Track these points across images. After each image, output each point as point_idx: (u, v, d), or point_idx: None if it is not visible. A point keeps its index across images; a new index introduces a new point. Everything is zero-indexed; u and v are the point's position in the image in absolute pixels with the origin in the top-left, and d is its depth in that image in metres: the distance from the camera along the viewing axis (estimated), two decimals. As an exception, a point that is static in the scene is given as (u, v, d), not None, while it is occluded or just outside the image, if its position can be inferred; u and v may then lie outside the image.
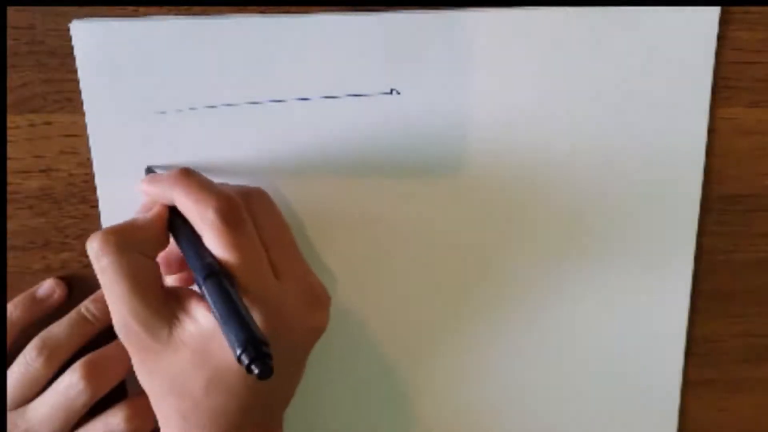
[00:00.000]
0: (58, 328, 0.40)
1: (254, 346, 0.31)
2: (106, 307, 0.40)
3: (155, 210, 0.36)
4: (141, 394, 0.40)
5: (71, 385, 0.38)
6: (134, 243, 0.35)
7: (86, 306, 0.40)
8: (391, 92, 0.40)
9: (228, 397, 0.35)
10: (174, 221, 0.36)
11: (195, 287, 0.35)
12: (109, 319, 0.40)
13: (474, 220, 0.42)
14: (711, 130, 0.42)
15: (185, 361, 0.34)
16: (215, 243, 0.34)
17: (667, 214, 0.42)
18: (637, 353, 0.45)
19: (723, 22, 0.40)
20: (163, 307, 0.34)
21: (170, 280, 0.38)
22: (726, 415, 0.48)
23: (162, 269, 0.37)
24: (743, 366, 0.47)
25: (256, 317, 0.33)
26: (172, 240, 0.37)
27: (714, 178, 0.43)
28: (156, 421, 0.40)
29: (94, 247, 0.34)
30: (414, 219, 0.42)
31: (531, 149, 0.41)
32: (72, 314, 0.40)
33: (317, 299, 0.37)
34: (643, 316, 0.44)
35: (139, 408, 0.40)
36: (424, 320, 0.44)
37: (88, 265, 0.41)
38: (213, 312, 0.33)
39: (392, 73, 0.39)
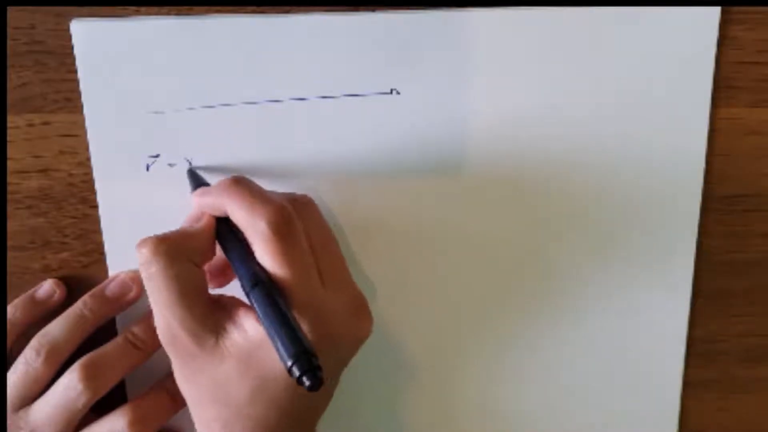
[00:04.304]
0: (55, 327, 0.39)
1: (305, 358, 0.31)
2: (104, 302, 0.40)
3: (204, 220, 0.36)
4: (144, 396, 0.40)
5: (70, 386, 0.38)
6: (184, 252, 0.35)
7: (84, 302, 0.40)
8: (390, 92, 0.39)
9: (271, 406, 0.35)
10: (222, 231, 0.36)
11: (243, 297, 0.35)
12: (106, 316, 0.40)
13: (474, 221, 0.42)
14: (711, 130, 0.42)
15: (230, 370, 0.34)
16: (267, 254, 0.34)
17: (667, 214, 0.42)
18: (638, 353, 0.45)
19: (723, 22, 0.40)
20: (210, 315, 0.35)
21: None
22: (726, 415, 0.48)
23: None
24: (743, 366, 0.47)
25: (305, 327, 0.33)
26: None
27: (714, 178, 0.43)
28: (158, 425, 0.40)
29: (144, 252, 0.34)
30: (413, 219, 0.42)
31: (531, 149, 0.41)
32: (69, 311, 0.40)
33: (361, 308, 0.37)
34: (643, 316, 0.44)
35: (142, 412, 0.40)
36: (421, 320, 0.44)
37: (87, 265, 0.42)
38: (261, 321, 0.33)
39: (392, 73, 0.39)
